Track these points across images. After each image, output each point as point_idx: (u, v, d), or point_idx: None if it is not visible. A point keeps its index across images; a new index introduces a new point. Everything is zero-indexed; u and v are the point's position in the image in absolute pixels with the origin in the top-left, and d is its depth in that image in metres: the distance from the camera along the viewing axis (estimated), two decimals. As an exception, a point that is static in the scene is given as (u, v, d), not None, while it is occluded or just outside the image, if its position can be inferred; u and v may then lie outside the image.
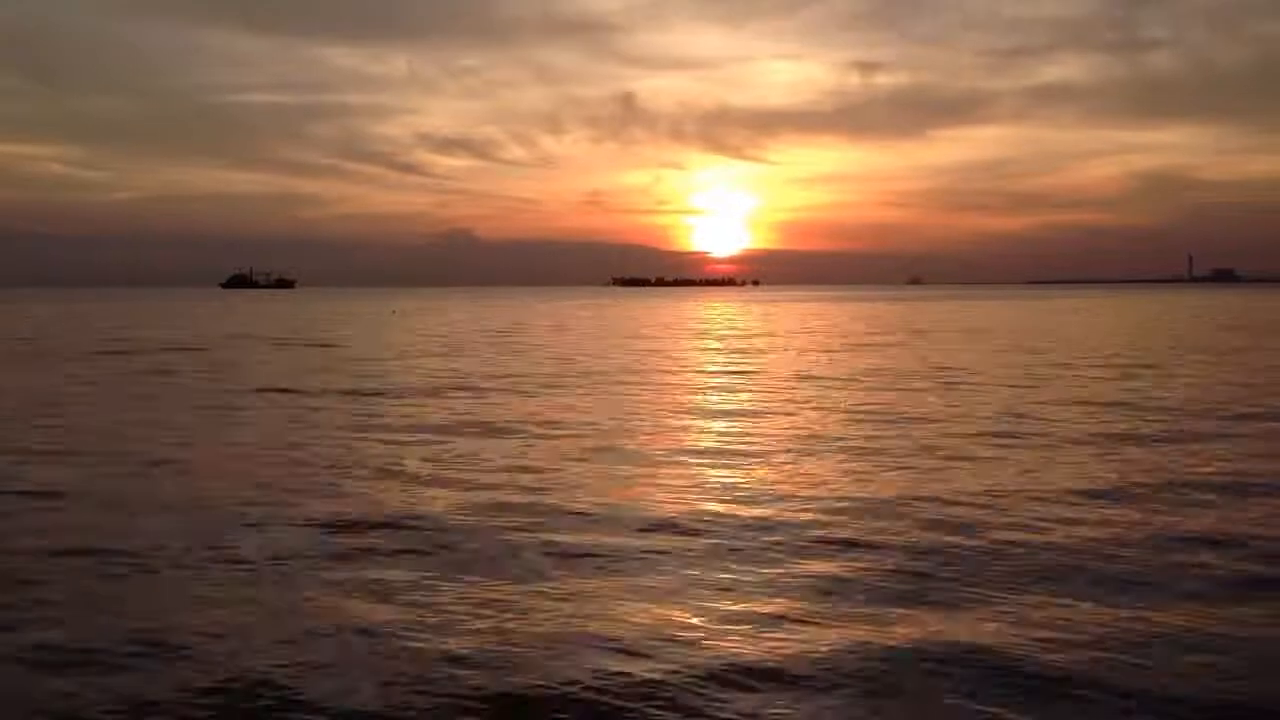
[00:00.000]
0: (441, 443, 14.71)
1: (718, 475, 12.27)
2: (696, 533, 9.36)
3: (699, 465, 12.98)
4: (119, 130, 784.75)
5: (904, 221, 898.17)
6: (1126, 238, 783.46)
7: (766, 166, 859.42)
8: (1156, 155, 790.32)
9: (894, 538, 9.08)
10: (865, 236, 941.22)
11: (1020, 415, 17.16)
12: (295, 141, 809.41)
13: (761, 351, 35.31)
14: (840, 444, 14.35)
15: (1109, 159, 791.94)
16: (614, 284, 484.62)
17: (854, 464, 12.75)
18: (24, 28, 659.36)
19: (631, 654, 6.37)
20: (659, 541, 9.06)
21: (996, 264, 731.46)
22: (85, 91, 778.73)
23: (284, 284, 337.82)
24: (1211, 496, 10.68)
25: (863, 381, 23.74)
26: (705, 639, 6.64)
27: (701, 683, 5.95)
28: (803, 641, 6.57)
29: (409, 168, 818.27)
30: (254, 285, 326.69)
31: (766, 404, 19.80)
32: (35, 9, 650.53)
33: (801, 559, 8.48)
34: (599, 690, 5.88)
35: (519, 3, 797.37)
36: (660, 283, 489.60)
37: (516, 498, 10.84)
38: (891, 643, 6.53)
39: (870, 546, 8.79)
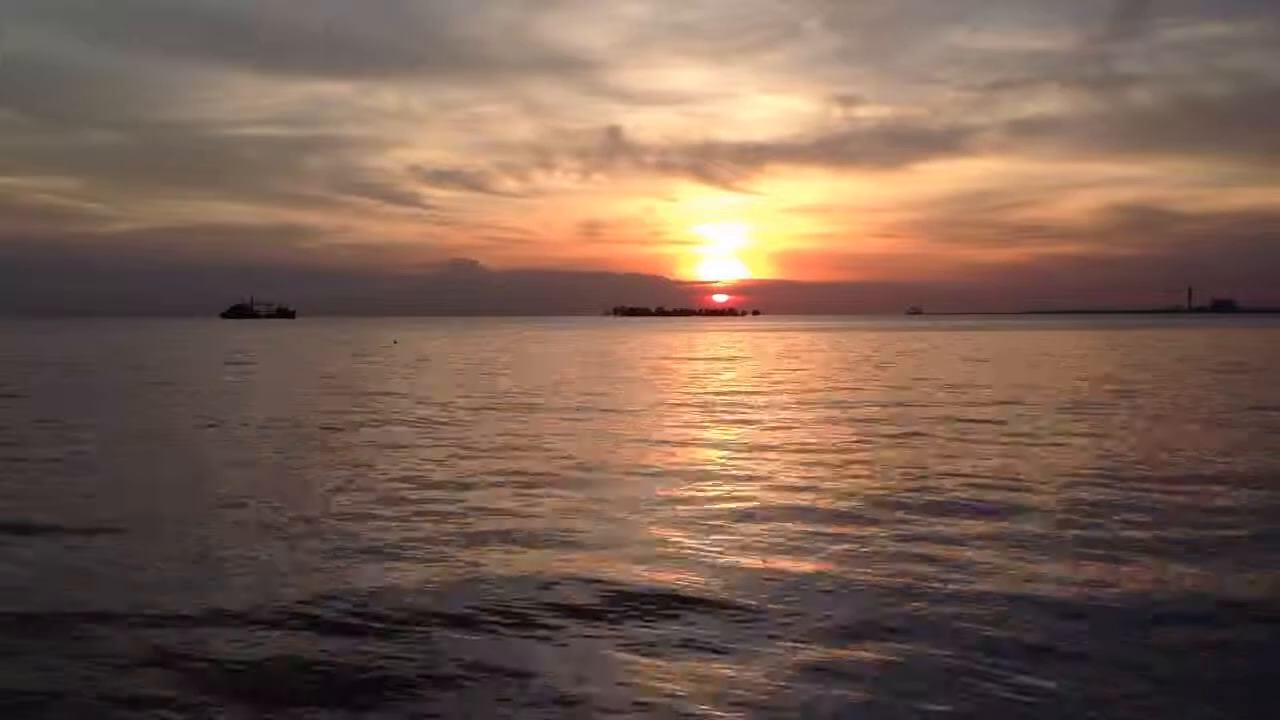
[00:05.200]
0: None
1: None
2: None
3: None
4: (116, 163, 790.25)
5: (897, 252, 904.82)
6: (1121, 268, 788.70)
7: (754, 197, 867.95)
8: (1138, 188, 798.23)
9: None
10: (862, 267, 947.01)
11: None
12: (290, 174, 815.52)
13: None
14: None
15: (1092, 191, 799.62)
16: (614, 313, 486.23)
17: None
18: (21, 62, 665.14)
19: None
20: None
21: (994, 294, 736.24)
22: (82, 125, 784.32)
23: (284, 314, 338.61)
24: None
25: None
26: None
27: None
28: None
29: (403, 199, 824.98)
30: (254, 315, 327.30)
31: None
32: (31, 43, 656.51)
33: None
34: None
35: (505, 39, 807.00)
36: (660, 312, 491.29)
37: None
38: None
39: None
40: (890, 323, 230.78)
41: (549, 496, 12.54)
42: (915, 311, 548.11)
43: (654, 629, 7.43)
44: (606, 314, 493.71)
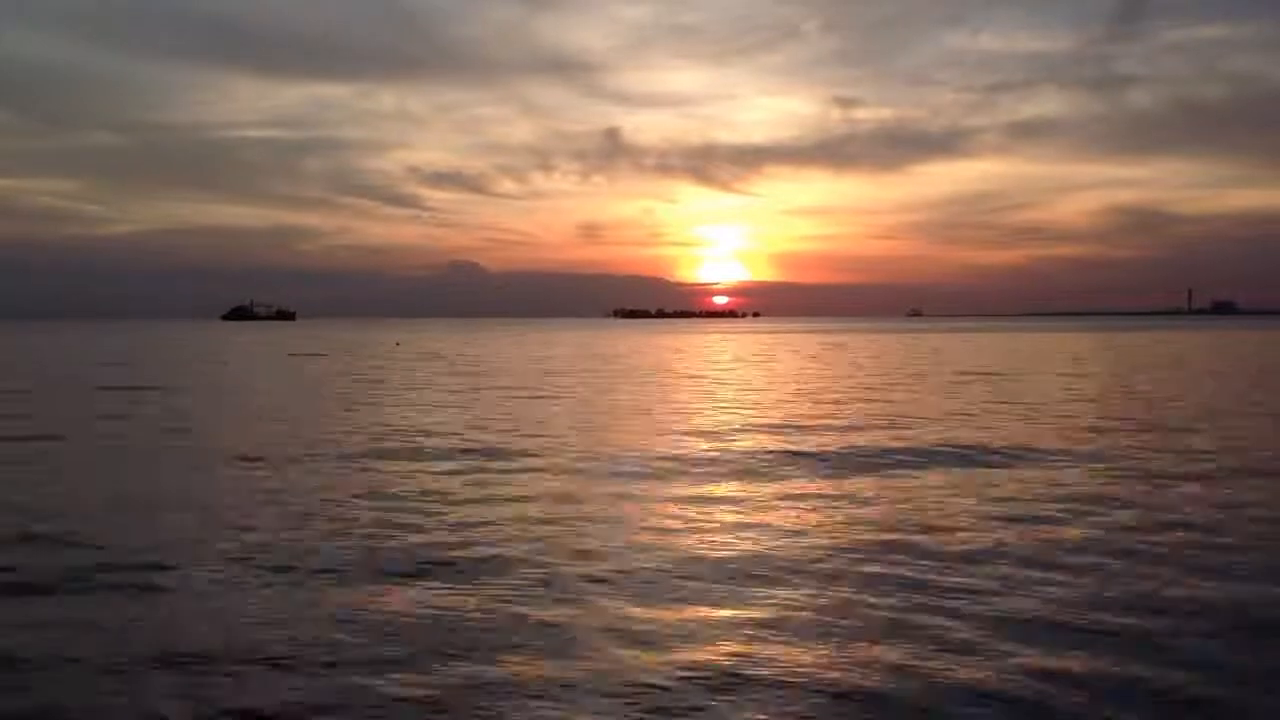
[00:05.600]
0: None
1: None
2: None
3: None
4: (115, 165, 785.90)
5: (897, 254, 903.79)
6: (1120, 270, 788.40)
7: (753, 199, 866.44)
8: (1137, 189, 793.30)
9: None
10: (862, 269, 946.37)
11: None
12: (289, 176, 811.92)
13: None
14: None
15: (1091, 193, 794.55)
16: (615, 315, 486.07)
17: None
18: (18, 64, 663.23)
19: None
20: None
21: (994, 296, 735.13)
22: (81, 127, 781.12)
23: (284, 316, 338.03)
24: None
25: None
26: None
27: None
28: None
29: (402, 201, 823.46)
30: (255, 317, 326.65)
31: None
32: (29, 45, 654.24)
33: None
34: None
35: (504, 41, 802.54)
36: (661, 314, 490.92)
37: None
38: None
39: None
40: (893, 325, 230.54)
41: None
42: (915, 313, 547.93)
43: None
44: (607, 315, 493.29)
